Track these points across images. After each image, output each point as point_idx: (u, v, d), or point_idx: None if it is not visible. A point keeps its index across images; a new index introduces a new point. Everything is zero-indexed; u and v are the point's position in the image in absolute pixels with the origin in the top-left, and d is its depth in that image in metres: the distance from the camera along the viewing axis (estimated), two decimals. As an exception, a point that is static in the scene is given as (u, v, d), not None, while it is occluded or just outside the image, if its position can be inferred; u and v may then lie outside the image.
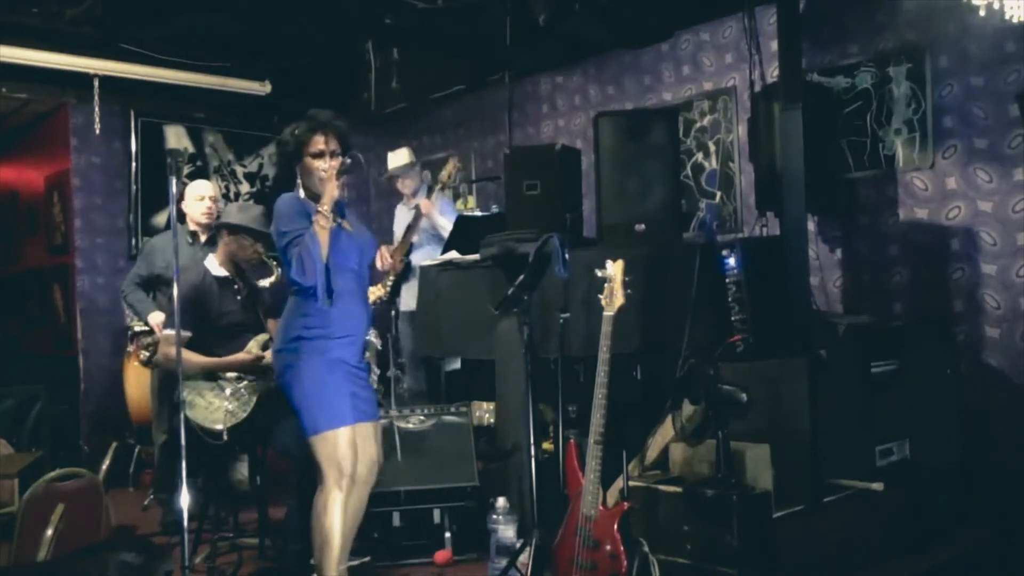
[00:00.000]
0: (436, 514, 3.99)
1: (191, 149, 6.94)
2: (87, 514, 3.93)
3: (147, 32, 5.75)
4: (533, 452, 3.44)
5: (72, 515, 3.82)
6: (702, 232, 5.33)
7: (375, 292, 5.24)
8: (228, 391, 3.75)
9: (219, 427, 3.66)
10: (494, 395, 4.26)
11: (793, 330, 3.81)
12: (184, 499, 3.23)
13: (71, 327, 6.52)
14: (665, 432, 3.51)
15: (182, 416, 3.44)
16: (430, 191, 5.51)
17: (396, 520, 3.98)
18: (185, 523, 3.26)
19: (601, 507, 3.03)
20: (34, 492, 3.84)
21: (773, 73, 4.68)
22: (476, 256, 4.34)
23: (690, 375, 3.32)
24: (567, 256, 3.41)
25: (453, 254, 4.61)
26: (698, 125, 5.44)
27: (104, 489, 4.15)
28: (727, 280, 3.86)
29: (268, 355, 3.72)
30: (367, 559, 3.83)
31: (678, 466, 3.44)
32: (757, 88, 4.77)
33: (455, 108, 6.98)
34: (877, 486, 3.54)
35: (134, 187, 6.68)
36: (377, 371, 4.21)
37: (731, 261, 3.86)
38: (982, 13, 3.56)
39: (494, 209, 5.29)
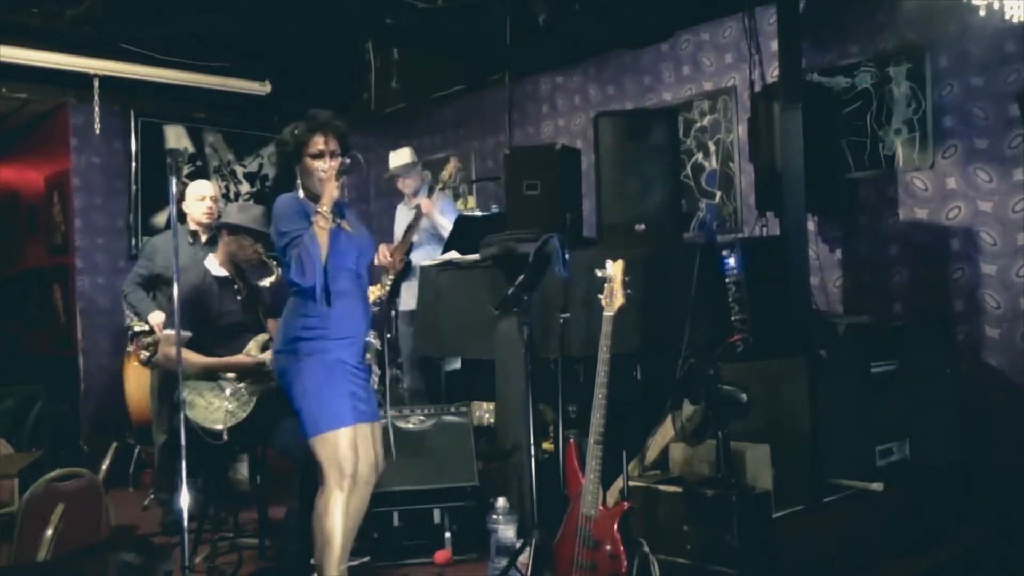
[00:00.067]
0: (436, 514, 3.99)
1: (191, 149, 6.94)
2: (87, 514, 3.93)
3: (147, 32, 5.75)
4: (533, 452, 3.44)
5: (72, 515, 3.82)
6: (702, 232, 5.33)
7: (375, 292, 5.23)
8: (228, 391, 3.75)
9: (219, 427, 3.66)
10: (494, 395, 4.26)
11: (793, 330, 3.81)
12: (184, 499, 3.24)
13: (71, 327, 6.52)
14: (665, 432, 3.51)
15: (182, 416, 3.44)
16: (431, 191, 5.51)
17: (396, 520, 3.98)
18: (185, 523, 3.26)
19: (601, 507, 3.03)
20: (34, 492, 3.84)
21: (773, 73, 4.68)
22: (476, 256, 4.34)
23: (690, 375, 3.32)
24: (567, 256, 3.41)
25: (453, 254, 4.61)
26: (698, 125, 5.44)
27: (104, 489, 4.15)
28: (727, 280, 3.86)
29: (268, 358, 3.71)
30: (367, 559, 3.83)
31: (678, 466, 3.44)
32: (757, 88, 4.77)
33: (455, 108, 6.98)
34: (877, 486, 3.54)
35: (134, 187, 6.68)
36: (378, 372, 4.21)
37: (731, 261, 3.86)
38: (982, 13, 3.56)
39: (494, 209, 5.29)
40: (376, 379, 3.81)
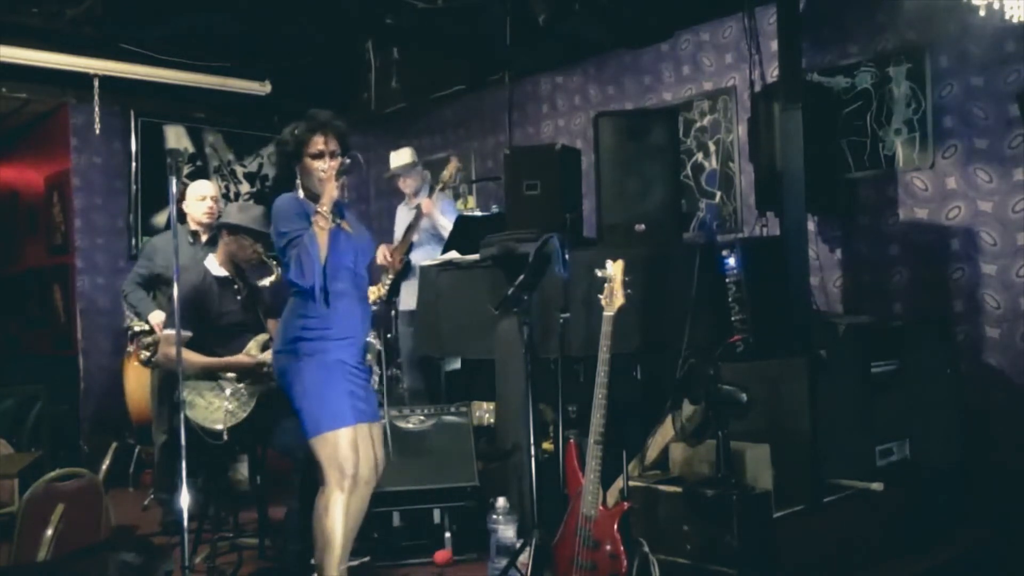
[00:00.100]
0: (436, 514, 3.99)
1: (191, 149, 6.94)
2: (87, 514, 3.93)
3: (147, 32, 5.75)
4: (533, 452, 3.44)
5: (72, 515, 3.82)
6: (702, 232, 5.33)
7: (374, 292, 5.25)
8: (228, 391, 3.75)
9: (219, 427, 3.66)
10: (494, 395, 4.26)
11: (793, 330, 3.81)
12: (184, 499, 3.23)
13: (71, 327, 6.52)
14: (665, 432, 3.51)
15: (182, 416, 3.44)
16: (431, 191, 5.51)
17: (396, 520, 3.98)
18: (185, 523, 3.26)
19: (601, 507, 3.03)
20: (34, 492, 3.84)
21: (773, 73, 4.68)
22: (476, 256, 4.34)
23: (690, 375, 3.32)
24: (567, 256, 3.40)
25: (453, 254, 4.61)
26: (698, 125, 5.44)
27: (104, 489, 4.15)
28: (727, 280, 3.86)
29: (268, 358, 3.71)
30: (367, 559, 3.83)
31: (678, 466, 3.44)
32: (757, 88, 4.77)
33: (455, 108, 6.98)
34: (877, 486, 3.54)
35: (134, 187, 6.68)
36: (379, 371, 4.21)
37: (731, 261, 3.86)
38: (982, 13, 3.56)
39: (494, 209, 5.29)
40: (376, 379, 3.81)
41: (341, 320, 3.11)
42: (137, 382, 5.27)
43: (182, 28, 5.69)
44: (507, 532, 3.58)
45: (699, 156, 5.44)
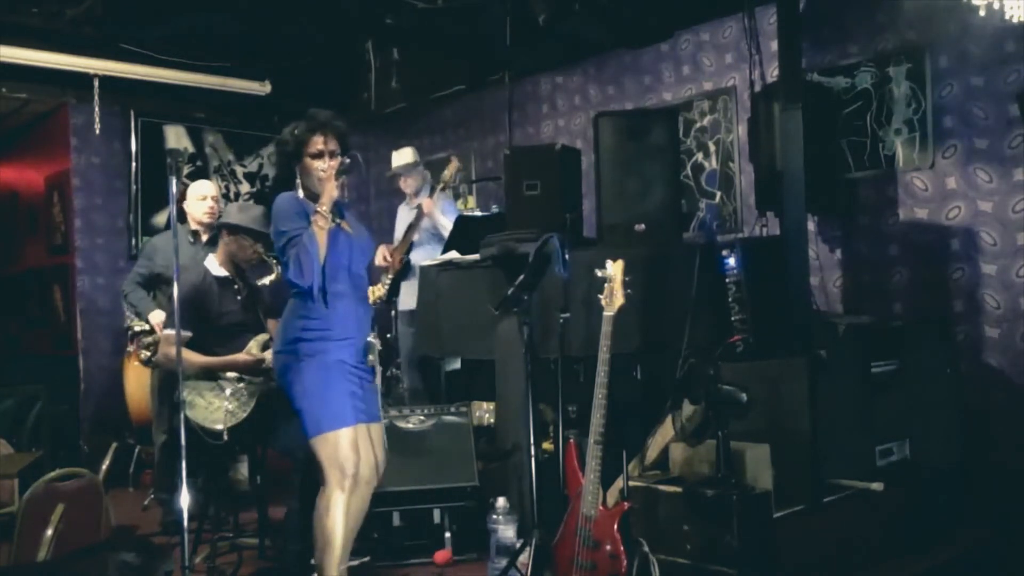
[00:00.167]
0: (436, 514, 3.99)
1: (191, 149, 6.94)
2: (87, 514, 3.93)
3: (147, 32, 5.76)
4: (533, 452, 3.44)
5: (72, 515, 3.82)
6: (702, 232, 5.33)
7: (375, 292, 5.25)
8: (228, 391, 3.75)
9: (219, 427, 3.66)
10: (494, 395, 4.26)
11: (793, 330, 3.81)
12: (184, 499, 3.23)
13: (71, 327, 6.53)
14: (665, 432, 3.51)
15: (182, 416, 3.44)
16: (432, 191, 5.51)
17: (396, 520, 3.98)
18: (185, 523, 3.26)
19: (601, 507, 3.03)
20: (34, 492, 3.84)
21: (773, 73, 4.68)
22: (476, 256, 4.34)
23: (690, 375, 3.32)
24: (567, 256, 3.40)
25: (453, 254, 4.61)
26: (698, 125, 5.44)
27: (104, 489, 4.15)
28: (727, 280, 3.86)
29: (268, 356, 3.72)
30: (367, 559, 3.83)
31: (678, 466, 3.44)
32: (757, 88, 4.77)
33: (455, 108, 6.98)
34: (877, 486, 3.54)
35: (134, 187, 6.68)
36: (380, 368, 4.21)
37: (731, 261, 3.86)
38: (982, 13, 3.57)
39: (494, 209, 5.30)
40: (379, 378, 3.82)
41: (341, 320, 3.10)
42: (137, 382, 5.27)
43: (182, 28, 5.69)
44: (507, 532, 3.58)
45: (699, 156, 5.44)
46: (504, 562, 3.38)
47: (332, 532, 3.03)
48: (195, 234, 4.71)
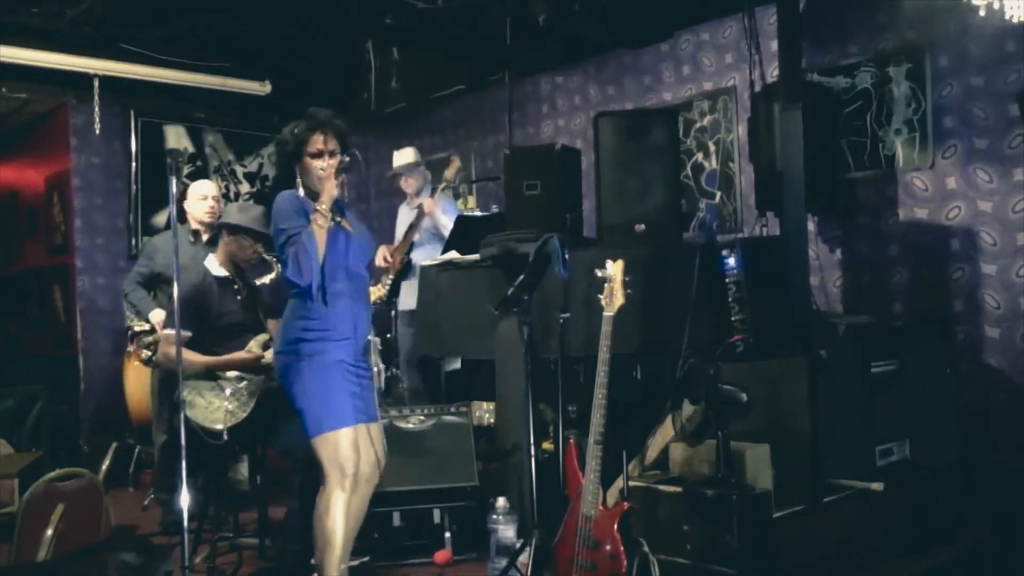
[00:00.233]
0: (436, 514, 3.99)
1: (191, 149, 6.94)
2: (87, 514, 3.93)
3: (147, 32, 5.75)
4: (533, 452, 3.44)
5: (72, 515, 3.82)
6: (702, 232, 5.33)
7: (375, 292, 5.25)
8: (228, 391, 3.75)
9: (219, 427, 3.66)
10: (494, 395, 4.26)
11: (793, 330, 3.81)
12: (184, 499, 3.23)
13: (71, 327, 6.52)
14: (665, 432, 3.51)
15: (182, 416, 3.44)
16: (433, 191, 5.51)
17: (396, 520, 3.98)
18: (185, 523, 3.26)
19: (601, 507, 3.03)
20: (34, 492, 3.84)
21: (773, 73, 4.68)
22: (476, 256, 4.34)
23: (690, 375, 3.32)
24: (567, 256, 3.41)
25: (453, 254, 4.61)
26: (698, 125, 5.44)
27: (104, 489, 4.15)
28: (727, 280, 3.86)
29: (268, 355, 3.72)
30: (367, 559, 3.83)
31: (678, 466, 3.44)
32: (757, 88, 4.77)
33: (455, 108, 6.98)
34: (877, 486, 3.54)
35: (134, 187, 6.68)
36: (382, 366, 4.21)
37: (731, 261, 3.86)
38: (982, 13, 3.57)
39: (494, 209, 5.29)
40: (379, 373, 3.82)
41: (341, 320, 3.10)
42: (137, 382, 5.27)
43: (182, 28, 5.69)
44: (507, 532, 3.58)
45: (699, 156, 5.44)
46: (504, 562, 3.38)
47: (332, 532, 3.03)
48: (195, 234, 4.71)
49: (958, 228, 4.36)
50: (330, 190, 3.07)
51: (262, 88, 6.66)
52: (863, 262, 4.70)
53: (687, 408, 3.27)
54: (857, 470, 3.59)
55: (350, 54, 6.54)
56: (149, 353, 4.59)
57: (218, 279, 3.94)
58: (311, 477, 3.22)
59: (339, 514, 3.03)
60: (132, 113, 6.65)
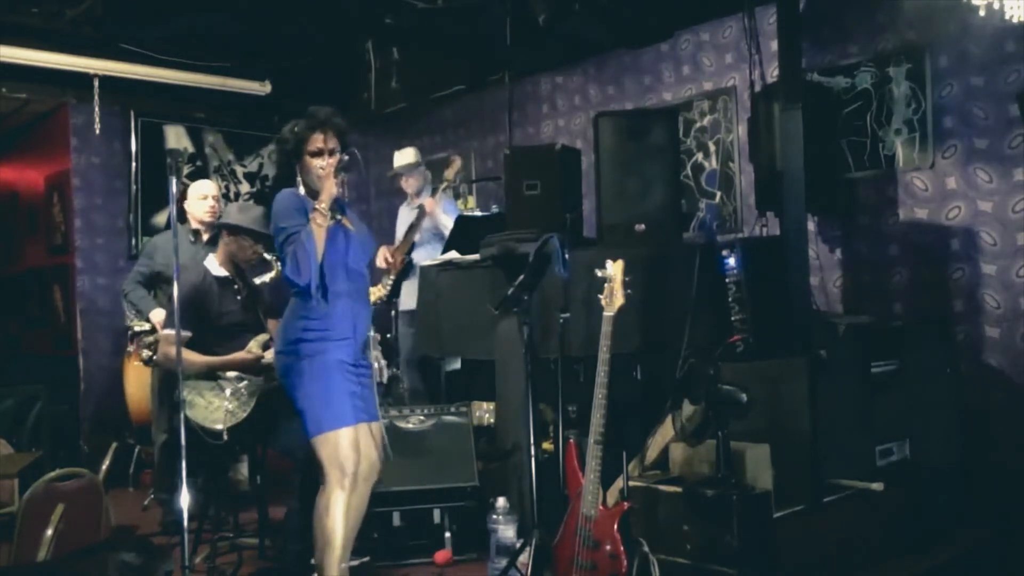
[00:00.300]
0: (436, 514, 3.99)
1: (191, 149, 6.94)
2: (87, 514, 3.93)
3: (147, 32, 5.76)
4: (533, 452, 3.44)
5: (72, 515, 3.82)
6: (702, 232, 5.33)
7: (376, 292, 5.25)
8: (228, 391, 3.75)
9: (219, 427, 3.66)
10: (494, 395, 4.26)
11: (793, 330, 3.81)
12: (184, 499, 3.23)
13: (71, 327, 6.52)
14: (665, 432, 3.51)
15: (182, 416, 3.44)
16: (434, 191, 5.51)
17: (396, 520, 3.97)
18: (185, 523, 3.26)
19: (601, 507, 3.03)
20: (34, 492, 3.84)
21: (773, 73, 4.68)
22: (476, 256, 4.34)
23: (690, 375, 3.32)
24: (567, 256, 3.41)
25: (453, 254, 4.61)
26: (698, 125, 5.44)
27: (104, 489, 4.15)
28: (727, 280, 3.86)
29: (269, 355, 3.72)
30: (367, 559, 3.83)
31: (678, 466, 3.44)
32: (757, 88, 4.77)
33: (455, 108, 6.98)
34: (877, 486, 3.54)
35: (134, 187, 6.68)
36: (384, 362, 4.21)
37: (731, 261, 3.86)
38: (982, 13, 3.57)
39: (494, 209, 5.29)
40: (386, 373, 3.82)
41: (341, 320, 3.10)
42: (137, 382, 5.27)
43: (182, 28, 5.69)
44: (507, 532, 3.58)
45: (699, 156, 5.44)
46: (504, 562, 3.38)
47: (332, 531, 3.03)
48: (196, 233, 4.71)
49: (958, 228, 4.36)
50: (329, 189, 3.07)
51: (262, 88, 6.66)
52: (863, 262, 4.70)
53: (687, 408, 3.27)
54: (857, 470, 3.59)
55: (350, 54, 6.54)
56: (149, 353, 4.59)
57: (218, 279, 3.94)
58: (311, 477, 3.22)
59: (339, 514, 3.04)
60: (132, 113, 6.65)
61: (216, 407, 3.71)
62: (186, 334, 3.61)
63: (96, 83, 6.05)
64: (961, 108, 4.34)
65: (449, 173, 5.53)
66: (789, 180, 4.03)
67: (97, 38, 5.63)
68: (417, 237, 5.44)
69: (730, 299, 3.84)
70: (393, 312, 5.63)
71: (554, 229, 3.69)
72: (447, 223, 5.20)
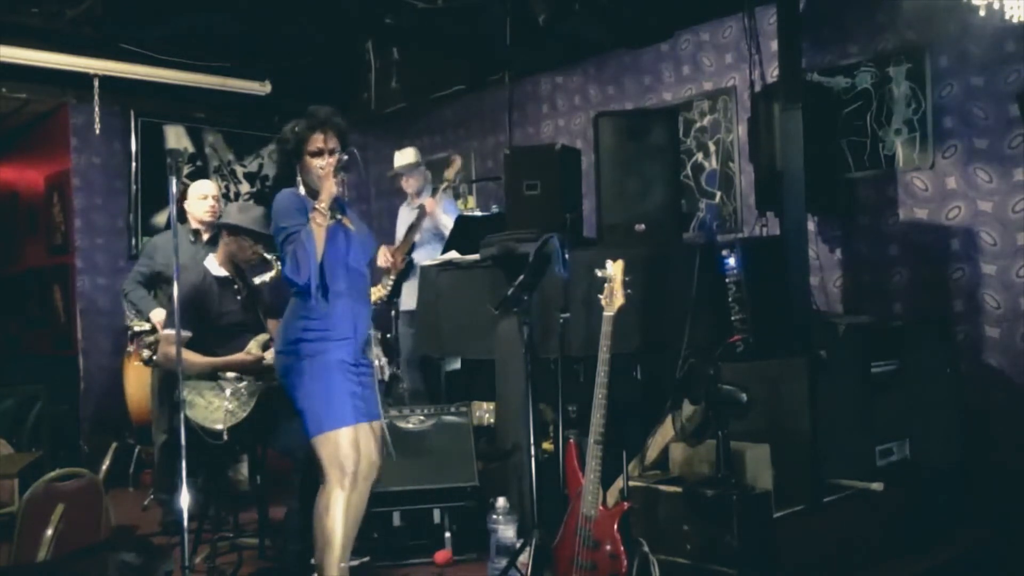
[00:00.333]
0: (436, 514, 3.99)
1: (191, 149, 6.94)
2: (87, 514, 3.93)
3: (147, 32, 5.76)
4: (533, 452, 3.44)
5: (72, 515, 3.82)
6: (702, 232, 5.33)
7: (376, 292, 5.25)
8: (228, 391, 3.74)
9: (219, 427, 3.66)
10: (494, 395, 4.26)
11: (793, 330, 3.81)
12: (184, 499, 3.23)
13: (71, 327, 6.52)
14: (665, 432, 3.51)
15: (182, 416, 3.44)
16: (434, 191, 5.51)
17: (396, 520, 3.98)
18: (185, 523, 3.26)
19: (601, 507, 3.03)
20: (34, 492, 3.84)
21: (773, 73, 4.68)
22: (476, 256, 4.34)
23: (690, 375, 3.32)
24: (567, 256, 3.41)
25: (453, 254, 4.61)
26: (698, 125, 5.44)
27: (104, 489, 4.15)
28: (727, 280, 3.86)
29: (269, 356, 3.72)
30: (367, 559, 3.83)
31: (678, 466, 3.44)
32: (757, 88, 4.77)
33: (455, 108, 6.98)
34: (877, 486, 3.54)
35: (134, 187, 6.68)
36: (385, 359, 4.20)
37: (731, 261, 3.86)
38: (982, 13, 3.57)
39: (494, 209, 5.29)
40: (383, 367, 3.81)
41: (341, 320, 3.11)
42: (137, 382, 5.27)
43: (182, 28, 5.69)
44: (507, 532, 3.58)
45: (699, 156, 5.44)
46: (504, 562, 3.38)
47: (332, 531, 3.03)
48: (196, 233, 4.71)
49: (958, 228, 4.36)
50: (329, 188, 3.08)
51: (262, 88, 6.66)
52: (863, 262, 4.70)
53: (687, 408, 3.27)
54: (857, 470, 3.59)
55: (350, 54, 6.54)
56: (149, 353, 4.59)
57: (218, 279, 3.94)
58: (311, 477, 3.22)
59: (339, 513, 3.04)
60: (132, 113, 6.65)
61: (216, 407, 3.71)
62: (186, 334, 3.61)
63: (96, 83, 6.05)
64: (961, 108, 4.34)
65: (449, 173, 5.54)
66: (789, 180, 4.03)
67: (97, 38, 5.63)
68: (417, 237, 5.44)
69: (730, 299, 3.84)
70: (393, 312, 5.63)
71: (554, 229, 3.69)
72: (447, 223, 5.20)
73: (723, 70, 5.33)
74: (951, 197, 4.38)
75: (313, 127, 3.16)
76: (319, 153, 3.15)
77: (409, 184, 5.63)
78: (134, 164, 6.67)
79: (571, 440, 3.28)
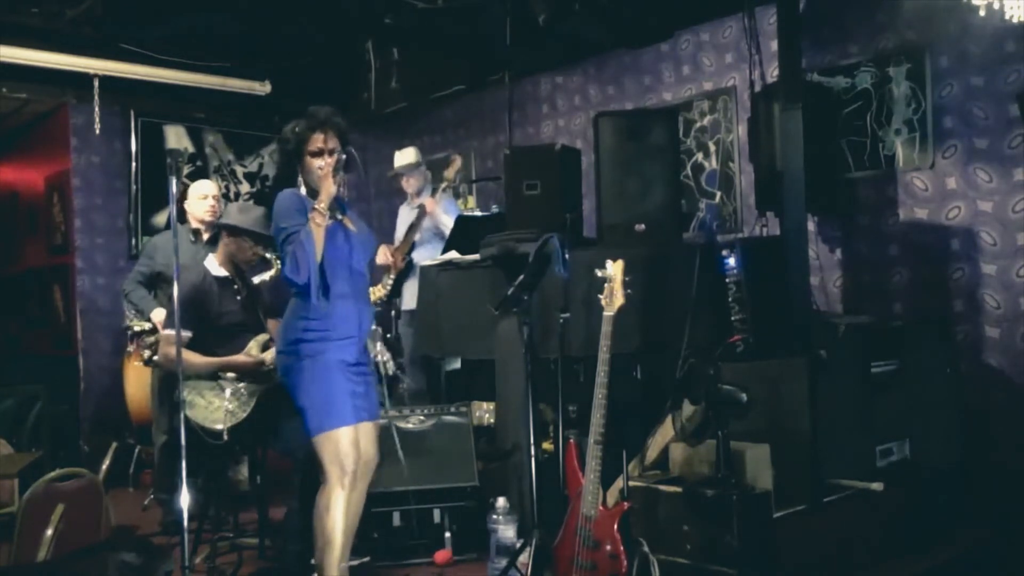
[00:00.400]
0: (436, 514, 3.99)
1: (191, 149, 6.94)
2: (87, 514, 3.93)
3: (147, 32, 5.76)
4: (533, 452, 3.44)
5: (72, 515, 3.82)
6: (702, 232, 5.33)
7: (376, 292, 5.25)
8: (228, 391, 3.74)
9: (219, 427, 3.66)
10: (494, 395, 4.26)
11: (793, 330, 3.81)
12: (184, 499, 3.23)
13: (71, 327, 6.52)
14: (665, 432, 3.51)
15: (182, 416, 3.44)
16: (434, 191, 5.51)
17: (396, 520, 3.98)
18: (185, 523, 3.26)
19: (601, 507, 3.03)
20: (34, 492, 3.84)
21: (773, 73, 4.68)
22: (476, 256, 4.34)
23: (690, 375, 3.32)
24: (567, 256, 3.41)
25: (453, 254, 4.61)
26: (698, 125, 5.44)
27: (104, 489, 4.15)
28: (727, 280, 3.86)
29: (268, 357, 3.72)
30: (367, 559, 3.84)
31: (678, 466, 3.44)
32: (757, 88, 4.77)
33: (455, 108, 6.98)
34: (877, 486, 3.54)
35: (134, 187, 6.68)
36: (387, 355, 4.20)
37: (731, 261, 3.86)
38: (982, 13, 3.57)
39: (494, 209, 5.30)
40: (387, 362, 3.81)
41: (341, 320, 3.11)
42: (137, 382, 5.27)
43: (182, 28, 5.69)
44: (507, 532, 3.58)
45: (699, 156, 5.44)
46: (504, 562, 3.38)
47: (332, 531, 3.04)
48: (196, 233, 4.71)
49: (958, 228, 4.36)
50: (328, 188, 3.08)
51: (262, 88, 6.66)
52: (863, 262, 4.70)
53: (687, 408, 3.27)
54: (857, 470, 3.59)
55: (350, 54, 6.54)
56: (149, 353, 4.59)
57: (218, 279, 3.94)
58: (311, 477, 3.22)
59: (339, 512, 3.04)
60: (132, 113, 6.65)
61: (216, 407, 3.71)
62: (186, 334, 3.61)
63: (96, 83, 6.05)
64: (961, 108, 4.34)
65: (449, 173, 5.54)
66: (789, 180, 4.03)
67: (97, 38, 5.63)
68: (417, 237, 5.44)
69: (730, 299, 3.84)
70: (393, 312, 5.63)
71: (554, 229, 3.69)
72: (447, 223, 5.21)
73: (723, 70, 5.33)
74: (951, 197, 4.38)
75: (313, 127, 3.16)
76: (319, 153, 3.16)
77: (409, 184, 5.63)
78: (134, 164, 6.67)
79: (571, 440, 3.28)
